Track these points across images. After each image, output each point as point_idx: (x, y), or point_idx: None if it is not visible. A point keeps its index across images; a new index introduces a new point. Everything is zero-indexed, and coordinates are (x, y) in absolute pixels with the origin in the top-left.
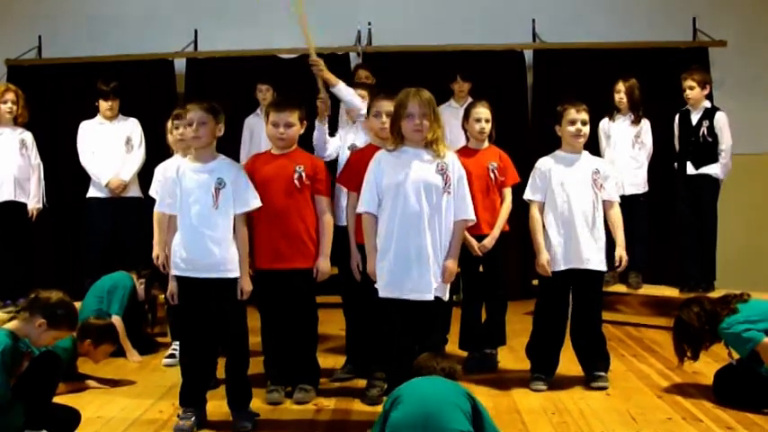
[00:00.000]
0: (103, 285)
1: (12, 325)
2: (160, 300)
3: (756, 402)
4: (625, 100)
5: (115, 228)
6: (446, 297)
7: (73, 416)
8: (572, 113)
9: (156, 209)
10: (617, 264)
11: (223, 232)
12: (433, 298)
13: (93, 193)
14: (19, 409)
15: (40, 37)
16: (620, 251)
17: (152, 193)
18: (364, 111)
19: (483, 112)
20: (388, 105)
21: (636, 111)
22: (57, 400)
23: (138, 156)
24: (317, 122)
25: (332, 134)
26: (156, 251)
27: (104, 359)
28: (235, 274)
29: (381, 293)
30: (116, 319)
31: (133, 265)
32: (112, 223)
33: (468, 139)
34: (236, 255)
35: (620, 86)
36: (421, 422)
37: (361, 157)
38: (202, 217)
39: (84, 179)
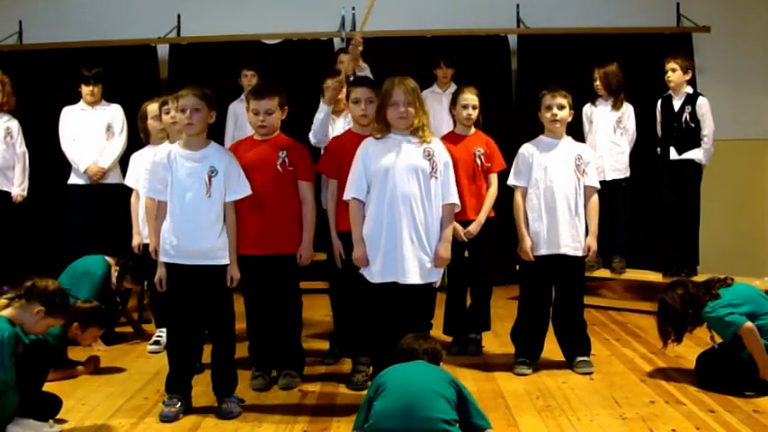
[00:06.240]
0: (76, 268)
1: (7, 312)
2: (135, 289)
3: (738, 386)
4: (601, 86)
5: (95, 215)
6: (438, 282)
7: (53, 401)
8: (547, 99)
9: (147, 195)
10: (585, 252)
11: (214, 220)
12: (423, 282)
13: (73, 179)
14: (14, 397)
15: (20, 22)
16: (591, 240)
17: (128, 182)
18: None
19: (470, 98)
20: (366, 92)
21: (615, 96)
22: (44, 387)
23: (119, 142)
24: (322, 103)
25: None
26: (136, 240)
27: (92, 341)
28: (225, 261)
29: (375, 279)
30: None
31: (115, 252)
32: (93, 210)
33: (455, 124)
34: (225, 242)
35: (596, 74)
36: (404, 412)
37: (339, 144)
38: (194, 204)
39: (67, 166)
